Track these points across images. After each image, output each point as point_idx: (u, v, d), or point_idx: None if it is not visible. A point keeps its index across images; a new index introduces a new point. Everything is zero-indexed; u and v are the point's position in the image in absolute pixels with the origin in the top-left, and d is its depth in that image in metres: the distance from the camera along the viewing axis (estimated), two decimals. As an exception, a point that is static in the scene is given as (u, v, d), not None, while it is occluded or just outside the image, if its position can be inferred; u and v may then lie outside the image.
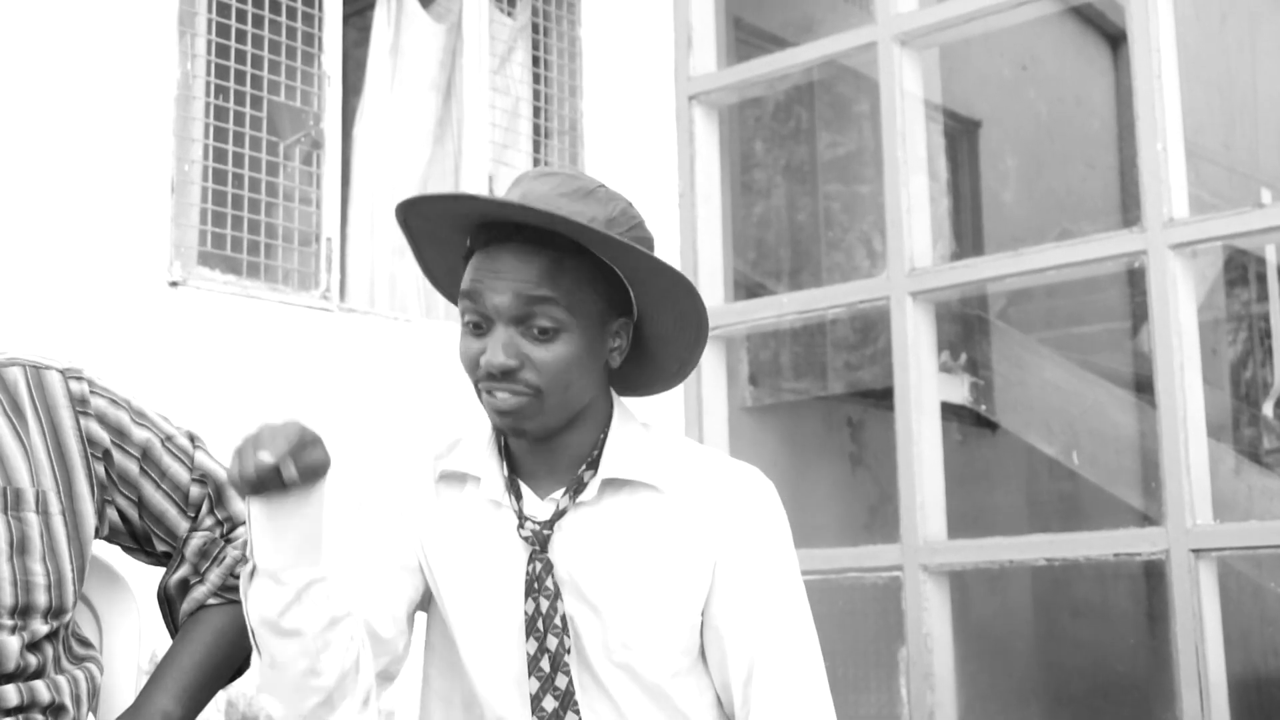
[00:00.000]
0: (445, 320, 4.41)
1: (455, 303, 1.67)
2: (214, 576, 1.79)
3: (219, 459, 1.85)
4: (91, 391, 1.79)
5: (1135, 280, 5.63)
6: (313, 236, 4.11)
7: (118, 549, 1.86)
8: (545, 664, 1.59)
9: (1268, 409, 6.85)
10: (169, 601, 1.83)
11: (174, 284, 3.70)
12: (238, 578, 1.75)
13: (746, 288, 5.78)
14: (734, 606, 1.62)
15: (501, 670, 1.63)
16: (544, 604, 1.60)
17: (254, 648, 1.58)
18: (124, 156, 3.65)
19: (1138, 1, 4.11)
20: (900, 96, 4.52)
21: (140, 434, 1.79)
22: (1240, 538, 3.94)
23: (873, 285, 4.62)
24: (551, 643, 1.59)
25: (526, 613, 1.60)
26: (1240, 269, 6.64)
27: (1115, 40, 7.06)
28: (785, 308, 4.78)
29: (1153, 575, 6.22)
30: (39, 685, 1.67)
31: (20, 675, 1.65)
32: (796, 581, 1.67)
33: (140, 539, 1.82)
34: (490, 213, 1.59)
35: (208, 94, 3.91)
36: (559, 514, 1.62)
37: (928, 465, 4.35)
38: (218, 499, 1.82)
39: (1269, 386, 6.87)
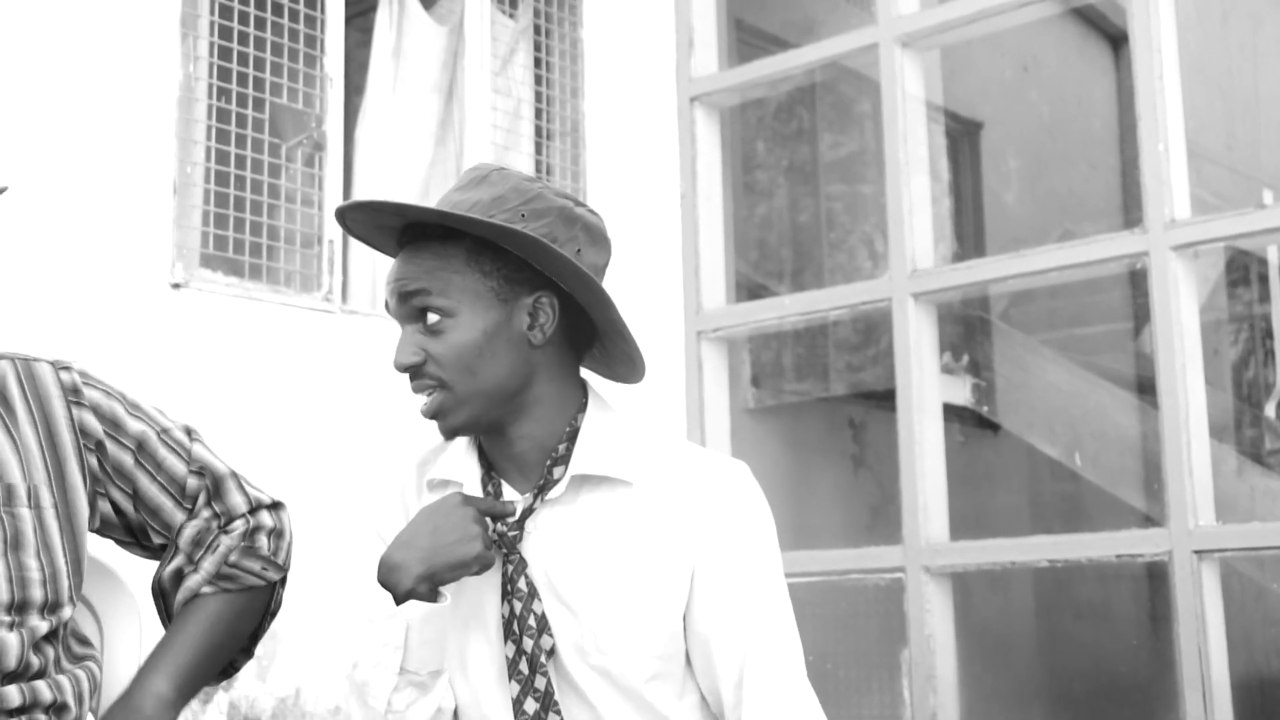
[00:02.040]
0: (447, 322, 4.41)
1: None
2: (208, 564, 1.78)
3: (216, 452, 1.85)
4: (84, 382, 1.78)
5: (1137, 281, 5.63)
6: (315, 238, 4.11)
7: (117, 549, 1.86)
8: (524, 666, 1.58)
9: (1270, 410, 6.85)
10: (163, 595, 1.83)
11: (176, 286, 3.70)
12: (232, 566, 1.76)
13: (748, 289, 5.78)
14: (719, 610, 1.59)
15: (483, 674, 1.62)
16: (518, 606, 1.59)
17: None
18: (126, 158, 3.66)
19: (1139, 2, 4.10)
20: (902, 98, 4.52)
21: (135, 426, 1.79)
22: (1243, 539, 3.94)
23: (875, 286, 4.62)
24: (528, 644, 1.58)
25: (504, 615, 1.60)
26: (1242, 270, 6.64)
27: (1117, 41, 7.06)
28: (787, 309, 4.78)
29: (1155, 576, 6.22)
30: (40, 685, 1.66)
31: (23, 675, 1.65)
32: (779, 579, 1.64)
33: (136, 532, 1.82)
34: (370, 216, 1.65)
35: (210, 96, 3.91)
36: (527, 512, 1.61)
37: (930, 467, 4.34)
38: (215, 492, 1.81)
39: (1271, 387, 6.86)
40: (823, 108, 6.26)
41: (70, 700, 1.69)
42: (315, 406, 3.88)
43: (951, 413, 5.20)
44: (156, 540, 1.82)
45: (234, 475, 1.84)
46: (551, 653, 1.58)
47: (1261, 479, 6.19)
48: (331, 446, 3.84)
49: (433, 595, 1.56)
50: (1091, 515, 6.23)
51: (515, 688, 1.59)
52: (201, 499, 1.81)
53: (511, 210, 1.59)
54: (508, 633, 1.59)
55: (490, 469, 1.67)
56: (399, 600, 1.55)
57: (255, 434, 3.64)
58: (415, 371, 1.62)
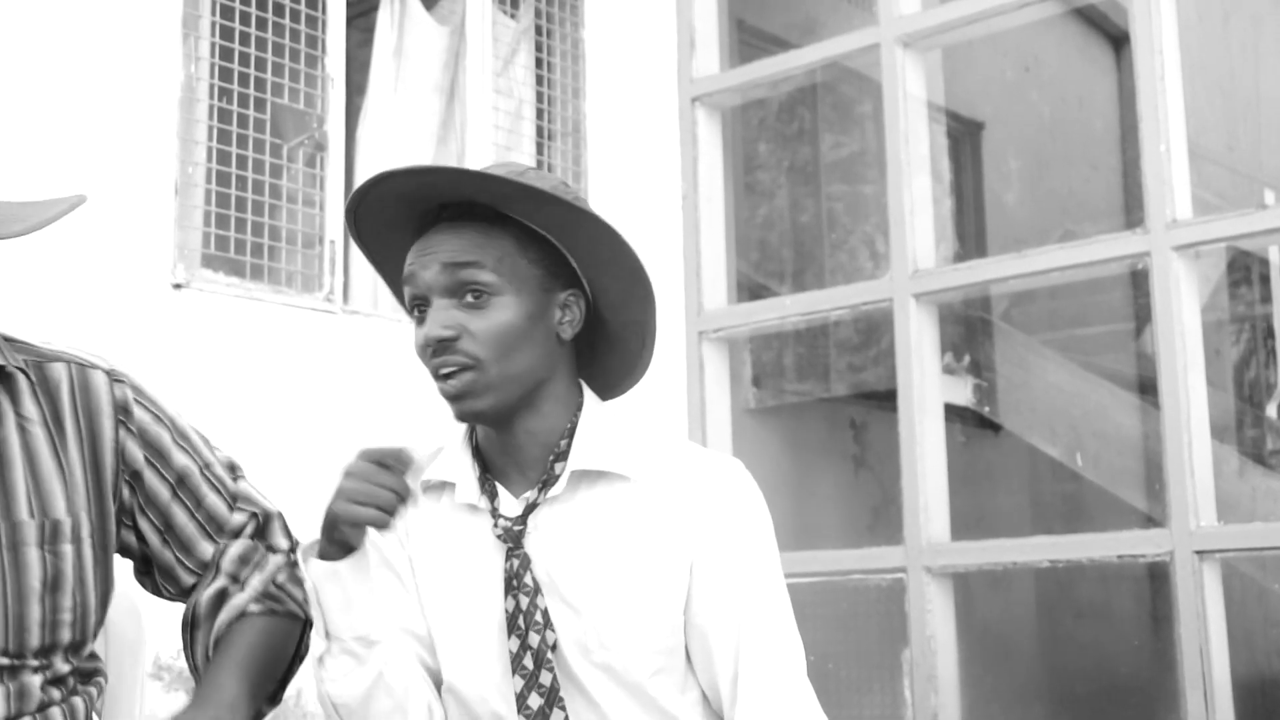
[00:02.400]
0: (448, 322, 4.42)
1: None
2: (256, 582, 1.71)
3: (260, 490, 1.80)
4: (136, 399, 1.72)
5: (1138, 282, 5.63)
6: (316, 239, 4.11)
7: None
8: (529, 661, 1.57)
9: (1271, 410, 6.85)
10: (194, 626, 1.72)
11: (177, 286, 3.71)
12: (279, 587, 1.71)
13: (749, 289, 5.78)
14: (716, 604, 1.59)
15: (485, 671, 1.61)
16: (524, 600, 1.58)
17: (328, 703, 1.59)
18: (128, 159, 3.66)
19: (1140, 3, 4.10)
20: (903, 98, 4.52)
21: (180, 459, 1.72)
22: (1244, 539, 3.94)
23: (876, 287, 4.61)
24: (534, 639, 1.57)
25: (507, 610, 1.58)
26: (1243, 270, 6.64)
27: (1118, 41, 7.06)
28: (788, 309, 4.78)
29: (1156, 577, 6.22)
30: (54, 712, 1.63)
31: (40, 709, 1.61)
32: (777, 574, 1.64)
33: (159, 567, 1.73)
34: (409, 187, 1.59)
35: (211, 96, 3.91)
36: (530, 508, 1.61)
37: (931, 467, 4.34)
38: (261, 531, 1.75)
39: (1272, 387, 6.86)
40: (824, 108, 6.26)
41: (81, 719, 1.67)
42: (316, 407, 3.88)
43: (953, 413, 5.20)
44: (186, 580, 1.73)
45: (280, 516, 1.78)
46: (554, 648, 1.58)
47: (1263, 479, 6.18)
48: (332, 446, 3.84)
49: (337, 552, 1.54)
50: (1093, 515, 6.23)
51: (519, 682, 1.58)
52: (249, 530, 1.74)
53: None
54: (512, 627, 1.58)
55: (485, 469, 1.66)
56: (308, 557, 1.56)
57: (257, 434, 3.64)
58: (446, 347, 1.57)
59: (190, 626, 1.73)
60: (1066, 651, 6.62)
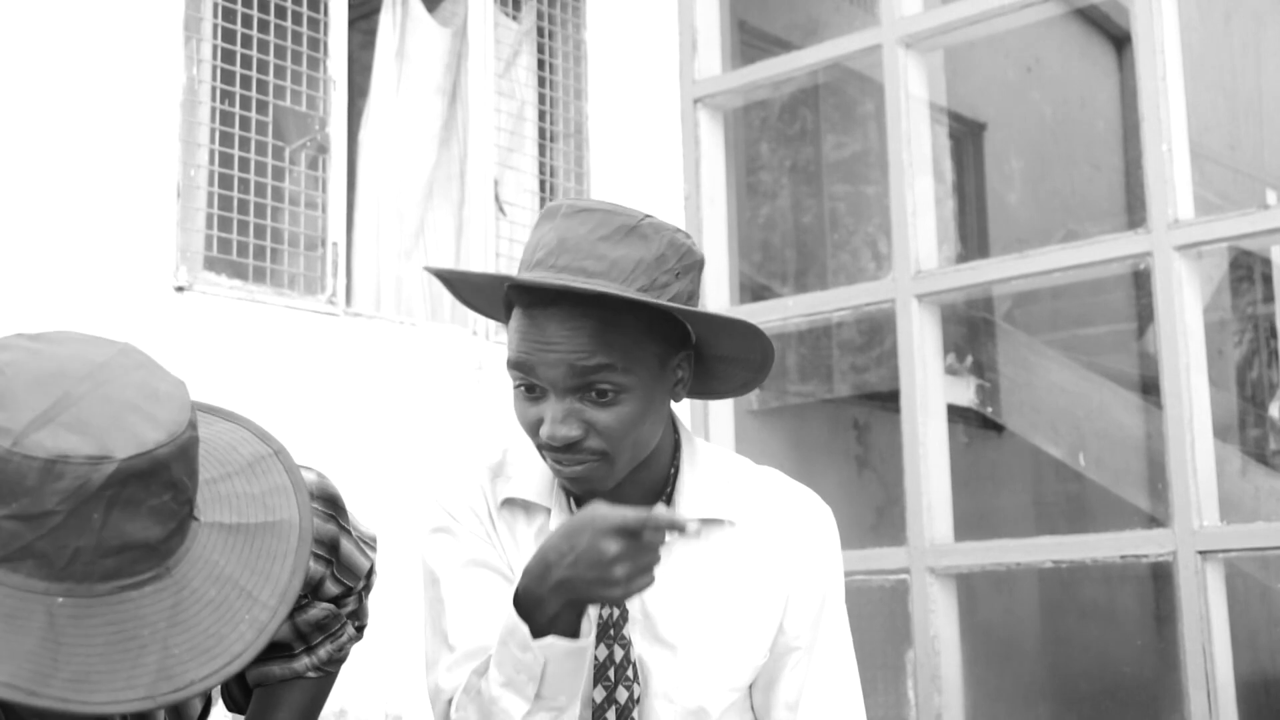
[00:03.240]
0: (450, 324, 4.42)
1: (490, 316, 1.63)
2: (324, 652, 1.65)
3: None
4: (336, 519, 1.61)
5: (1141, 282, 5.63)
6: (318, 241, 4.11)
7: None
8: (611, 715, 1.52)
9: (1274, 410, 6.84)
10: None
11: (180, 289, 3.71)
12: (340, 653, 1.67)
13: (752, 290, 5.78)
14: (796, 636, 1.60)
15: None
16: (618, 653, 1.53)
17: None
18: (129, 162, 3.66)
19: (1142, 3, 4.10)
20: (905, 99, 4.52)
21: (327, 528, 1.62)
22: (1247, 539, 3.94)
23: (878, 288, 4.62)
24: (621, 694, 1.53)
25: (598, 659, 1.52)
26: (1246, 270, 6.63)
27: (1120, 42, 7.06)
28: (791, 310, 4.78)
29: (1160, 577, 6.21)
30: None
31: None
32: (844, 607, 1.66)
33: None
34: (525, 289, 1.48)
35: (213, 99, 3.91)
36: None
37: (934, 467, 4.34)
38: (335, 558, 1.65)
39: (1275, 387, 6.85)
40: (826, 109, 6.26)
41: None
42: (319, 409, 3.88)
43: (955, 414, 5.19)
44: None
45: (344, 531, 1.67)
46: (639, 701, 1.53)
47: (1266, 479, 6.18)
48: (335, 448, 3.84)
49: (572, 624, 1.41)
50: (1096, 516, 6.22)
51: None
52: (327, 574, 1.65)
53: (670, 271, 1.51)
54: (599, 677, 1.52)
55: (576, 500, 1.57)
56: (536, 633, 1.41)
57: (260, 436, 3.64)
58: (573, 446, 1.46)
59: None
60: (1070, 652, 6.62)
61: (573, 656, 1.41)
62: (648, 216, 1.54)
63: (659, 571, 1.47)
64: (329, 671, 1.68)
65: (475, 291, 1.61)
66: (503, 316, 1.56)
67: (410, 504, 3.77)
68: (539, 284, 1.44)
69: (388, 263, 4.41)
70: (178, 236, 3.74)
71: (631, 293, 1.44)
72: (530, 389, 1.48)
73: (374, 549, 1.70)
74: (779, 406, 5.80)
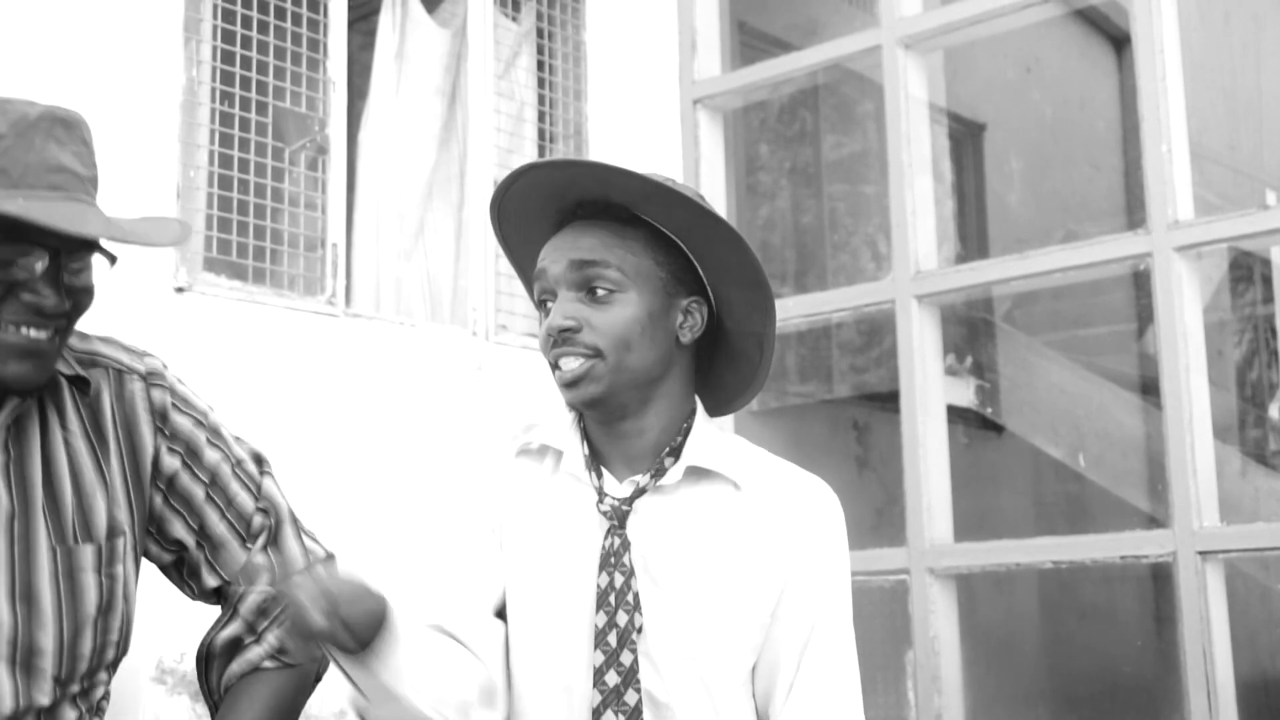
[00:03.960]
0: (450, 325, 4.42)
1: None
2: (272, 638, 1.70)
3: (282, 486, 1.80)
4: (173, 404, 1.72)
5: (1140, 282, 5.63)
6: (318, 242, 4.11)
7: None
8: (613, 639, 1.60)
9: (1274, 410, 6.84)
10: (208, 659, 1.72)
11: (179, 290, 3.71)
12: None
13: (752, 291, 5.76)
14: (795, 621, 1.66)
15: (565, 642, 1.63)
16: (618, 579, 1.61)
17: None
18: (129, 162, 3.66)
19: (1141, 4, 4.10)
20: (905, 99, 4.52)
21: (212, 456, 1.73)
22: (1247, 539, 3.94)
23: (878, 288, 4.61)
24: (621, 619, 1.60)
25: (599, 586, 1.62)
26: (1245, 270, 6.63)
27: (1119, 42, 7.06)
28: (790, 311, 4.78)
29: (1160, 577, 6.21)
30: None
31: None
32: (849, 601, 1.72)
33: (187, 565, 1.73)
34: (549, 181, 1.65)
35: (213, 100, 3.91)
36: (639, 492, 1.65)
37: (934, 468, 4.34)
38: (274, 538, 1.74)
39: (1275, 388, 6.86)
40: (825, 110, 6.26)
41: None
42: (319, 410, 3.88)
43: (955, 414, 5.19)
44: (210, 582, 1.72)
45: (294, 520, 1.79)
46: (640, 630, 1.61)
47: (1266, 480, 6.18)
48: (335, 449, 3.84)
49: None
50: (1095, 516, 6.22)
51: (600, 657, 1.61)
52: (261, 541, 1.73)
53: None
54: (601, 603, 1.61)
55: (592, 450, 1.69)
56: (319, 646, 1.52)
57: (259, 438, 3.64)
58: (567, 337, 1.62)
59: (205, 660, 1.72)
60: (1070, 652, 6.62)
61: (362, 674, 1.53)
62: (671, 178, 1.71)
63: (661, 515, 1.64)
64: (288, 663, 1.69)
65: (525, 244, 1.75)
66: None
67: (410, 504, 3.77)
68: (549, 162, 1.66)
69: (387, 264, 4.41)
70: (177, 237, 3.74)
71: (660, 179, 1.61)
72: (545, 302, 1.66)
73: (266, 464, 1.82)
74: (779, 407, 5.80)
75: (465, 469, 1.76)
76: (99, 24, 3.64)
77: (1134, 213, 6.48)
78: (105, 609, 1.59)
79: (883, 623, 4.74)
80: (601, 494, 1.65)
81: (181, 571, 1.75)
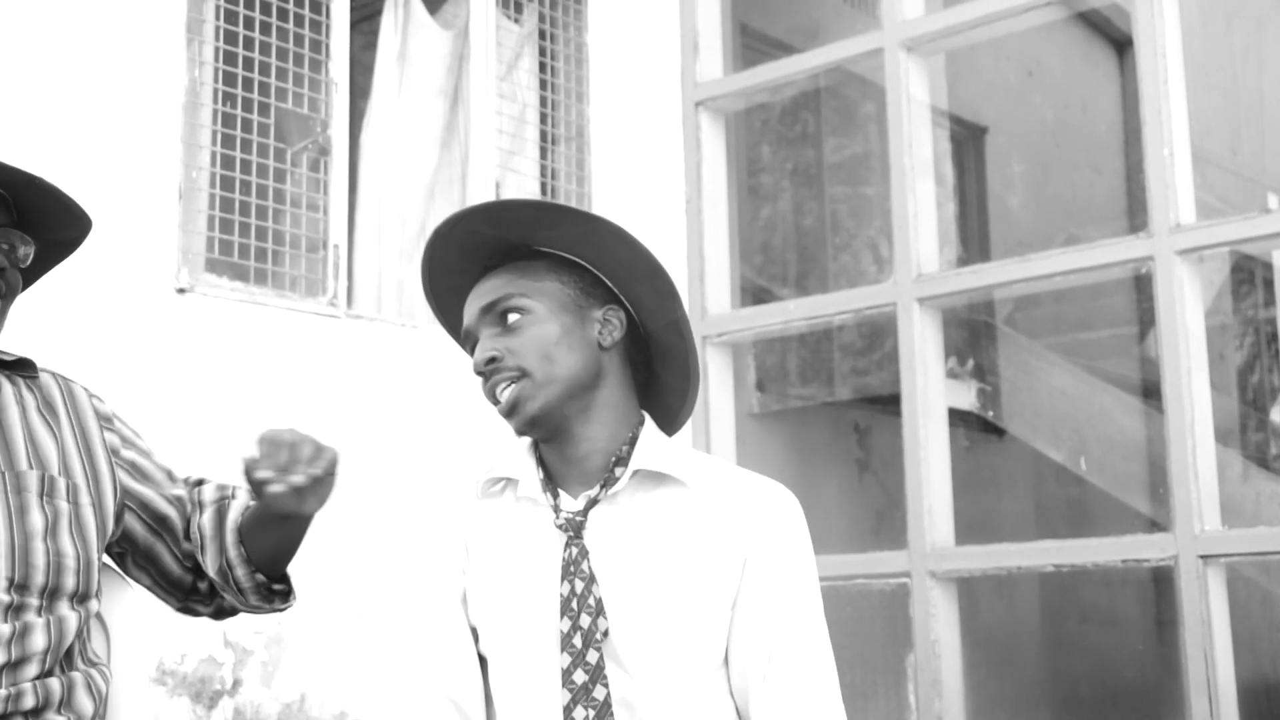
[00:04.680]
0: (452, 326, 4.41)
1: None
2: (243, 495, 1.89)
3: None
4: (114, 415, 1.91)
5: (1142, 286, 5.62)
6: (320, 243, 4.11)
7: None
8: (578, 640, 1.67)
9: (1275, 414, 6.83)
10: (203, 549, 1.87)
11: (181, 291, 3.71)
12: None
13: (753, 293, 5.77)
14: (759, 608, 1.71)
15: (534, 650, 1.71)
16: (579, 585, 1.69)
17: None
18: (132, 163, 3.66)
19: (1143, 7, 4.10)
20: (907, 102, 4.52)
21: (144, 446, 1.92)
22: (1248, 543, 3.93)
23: (880, 291, 4.61)
24: (585, 621, 1.67)
25: (562, 594, 1.69)
26: (1247, 274, 6.63)
27: (1121, 46, 7.06)
28: (792, 314, 4.78)
29: (1161, 581, 6.21)
30: (53, 683, 1.69)
31: (44, 668, 1.68)
32: (816, 592, 1.76)
33: (148, 558, 1.91)
34: (458, 239, 1.78)
35: (215, 101, 3.91)
36: (592, 503, 1.73)
37: (935, 471, 4.34)
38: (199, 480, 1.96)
39: (1276, 391, 6.85)
40: (827, 112, 6.26)
41: (84, 697, 1.72)
42: (320, 411, 3.88)
43: (957, 417, 5.19)
44: (186, 545, 1.90)
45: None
46: (606, 634, 1.68)
47: (1267, 483, 6.17)
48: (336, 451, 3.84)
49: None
50: (1097, 520, 6.21)
51: (566, 659, 1.68)
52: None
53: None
54: (565, 610, 1.69)
55: (547, 475, 1.78)
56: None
57: (260, 439, 3.64)
58: (494, 367, 1.72)
59: (201, 550, 1.88)
60: (1071, 656, 6.61)
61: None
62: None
63: (616, 521, 1.72)
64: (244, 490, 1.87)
65: (455, 308, 1.86)
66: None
67: (411, 504, 3.77)
68: (470, 208, 1.76)
69: (389, 265, 4.40)
70: (179, 238, 3.74)
71: (536, 200, 1.83)
72: (474, 347, 1.77)
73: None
74: (779, 410, 5.80)
75: (427, 518, 1.85)
76: (102, 25, 3.64)
77: (1135, 216, 6.48)
78: (51, 530, 1.71)
79: (884, 626, 4.74)
80: (557, 510, 1.74)
81: (150, 570, 1.91)
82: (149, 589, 1.93)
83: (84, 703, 1.72)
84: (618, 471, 1.74)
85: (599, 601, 1.68)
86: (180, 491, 1.91)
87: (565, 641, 1.68)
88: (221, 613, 1.96)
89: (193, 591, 1.92)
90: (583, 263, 1.78)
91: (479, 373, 1.74)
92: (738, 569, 1.71)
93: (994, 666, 5.84)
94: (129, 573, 1.92)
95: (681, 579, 1.70)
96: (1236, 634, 3.90)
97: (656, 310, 1.80)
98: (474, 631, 1.78)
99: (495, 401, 1.74)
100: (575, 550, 1.70)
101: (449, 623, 1.77)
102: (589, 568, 1.69)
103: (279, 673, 3.67)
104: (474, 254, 1.80)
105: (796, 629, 1.71)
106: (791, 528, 1.76)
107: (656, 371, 1.84)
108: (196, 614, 1.96)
